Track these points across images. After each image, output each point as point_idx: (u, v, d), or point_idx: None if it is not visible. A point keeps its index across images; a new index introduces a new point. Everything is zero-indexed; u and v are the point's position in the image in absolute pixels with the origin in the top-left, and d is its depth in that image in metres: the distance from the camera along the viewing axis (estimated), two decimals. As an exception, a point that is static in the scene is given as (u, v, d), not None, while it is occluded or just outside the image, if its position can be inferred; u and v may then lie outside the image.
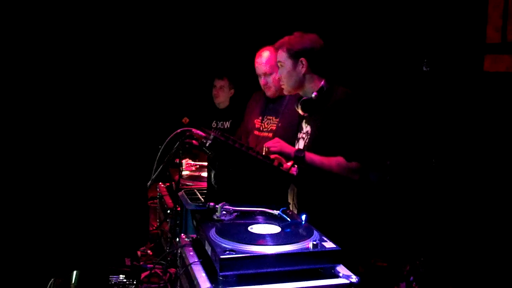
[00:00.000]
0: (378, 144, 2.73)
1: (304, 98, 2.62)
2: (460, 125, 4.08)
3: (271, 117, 3.28)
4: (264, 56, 3.21)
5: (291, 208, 2.65)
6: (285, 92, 2.78)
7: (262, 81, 3.23)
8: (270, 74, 3.17)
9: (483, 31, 3.86)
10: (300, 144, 2.68)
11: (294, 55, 2.59)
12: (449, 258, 3.90)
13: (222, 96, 4.50)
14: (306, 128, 2.68)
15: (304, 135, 2.68)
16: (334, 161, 2.47)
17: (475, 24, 3.92)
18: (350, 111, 2.50)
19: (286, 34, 2.70)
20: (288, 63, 2.61)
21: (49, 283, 1.87)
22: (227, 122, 4.51)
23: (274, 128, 3.20)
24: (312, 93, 2.60)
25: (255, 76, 3.32)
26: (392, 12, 4.50)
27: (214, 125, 4.55)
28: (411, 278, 3.76)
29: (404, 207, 4.28)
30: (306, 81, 2.63)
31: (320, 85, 2.60)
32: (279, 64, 2.68)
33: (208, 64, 5.01)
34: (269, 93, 3.25)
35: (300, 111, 2.66)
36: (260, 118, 3.33)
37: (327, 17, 4.74)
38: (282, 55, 2.63)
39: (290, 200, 2.70)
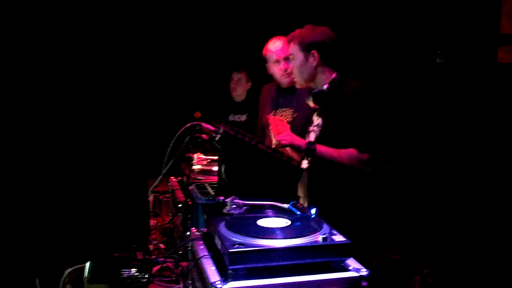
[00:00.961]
0: (389, 136, 2.72)
1: (316, 90, 2.62)
2: (474, 117, 4.04)
3: (285, 109, 3.27)
4: (279, 42, 3.21)
5: (302, 201, 2.65)
6: (297, 86, 2.79)
7: (282, 66, 3.19)
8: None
9: (497, 22, 3.80)
10: (311, 137, 2.68)
11: (306, 48, 2.60)
12: (464, 252, 3.87)
13: (240, 89, 4.50)
14: (317, 120, 2.68)
15: (315, 128, 2.68)
16: (345, 153, 2.47)
17: (489, 15, 3.87)
18: (362, 103, 2.50)
19: (299, 26, 2.71)
20: (299, 56, 2.62)
21: (63, 276, 1.90)
22: (244, 115, 4.51)
23: (290, 119, 3.19)
24: (323, 85, 2.60)
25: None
26: (405, 3, 4.46)
27: (230, 118, 4.56)
28: (426, 271, 3.74)
29: (419, 200, 4.25)
30: (318, 73, 2.63)
31: (332, 78, 2.59)
32: (290, 57, 2.69)
33: (225, 57, 5.02)
34: (288, 79, 3.19)
35: (311, 104, 2.65)
36: (273, 112, 3.32)
37: (340, 9, 4.71)
38: (294, 48, 2.64)
39: (301, 193, 2.70)
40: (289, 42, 2.69)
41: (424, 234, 4.08)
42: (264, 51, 3.34)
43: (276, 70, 3.26)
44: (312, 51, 2.59)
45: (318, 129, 2.64)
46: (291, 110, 3.22)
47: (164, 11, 4.77)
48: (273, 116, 3.10)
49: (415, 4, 4.40)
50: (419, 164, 4.35)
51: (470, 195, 4.00)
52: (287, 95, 3.29)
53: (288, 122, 3.17)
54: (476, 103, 4.01)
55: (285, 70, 3.18)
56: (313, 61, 2.60)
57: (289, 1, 4.91)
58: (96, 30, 1.32)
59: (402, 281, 3.68)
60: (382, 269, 3.31)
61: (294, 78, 2.75)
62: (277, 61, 3.23)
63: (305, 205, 2.59)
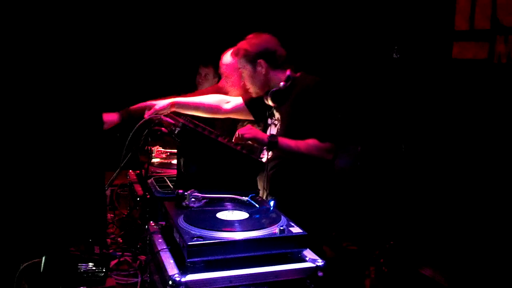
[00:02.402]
0: (347, 125, 2.80)
1: (273, 89, 2.66)
2: (429, 111, 4.15)
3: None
4: (226, 55, 3.19)
5: (261, 194, 2.68)
6: (254, 95, 2.82)
7: (222, 82, 3.26)
8: (230, 77, 3.18)
9: (452, 19, 3.92)
10: (273, 130, 2.72)
11: (252, 59, 2.67)
12: (418, 242, 3.99)
13: (206, 84, 4.45)
14: (277, 114, 2.72)
15: (276, 121, 2.72)
16: (307, 144, 2.52)
17: (444, 11, 3.97)
18: (318, 94, 2.57)
19: (266, 19, 2.74)
20: (248, 68, 2.69)
21: (18, 271, 1.86)
22: None
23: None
24: (279, 85, 2.66)
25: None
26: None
27: None
28: (381, 261, 3.84)
29: (375, 192, 4.35)
30: (270, 79, 2.70)
31: (286, 75, 2.65)
32: (240, 70, 2.77)
33: (193, 51, 4.96)
34: (233, 94, 3.19)
35: (271, 103, 2.70)
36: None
37: (299, 5, 4.75)
38: (241, 61, 2.72)
39: (260, 186, 2.73)
40: (236, 56, 2.76)
41: (380, 225, 4.19)
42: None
43: (230, 84, 3.24)
44: (258, 61, 2.65)
45: (279, 122, 2.69)
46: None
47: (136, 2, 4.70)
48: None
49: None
50: (376, 157, 4.44)
51: (424, 186, 4.12)
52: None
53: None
54: (431, 97, 4.13)
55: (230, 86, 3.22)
56: (261, 69, 2.67)
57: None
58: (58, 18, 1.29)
59: (358, 271, 3.76)
60: (339, 260, 3.38)
61: (249, 89, 2.80)
62: (227, 77, 3.23)
63: (265, 197, 2.62)
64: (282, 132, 2.64)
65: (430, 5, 4.08)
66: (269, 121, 2.80)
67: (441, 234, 3.90)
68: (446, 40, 3.97)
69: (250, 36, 2.74)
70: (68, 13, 1.30)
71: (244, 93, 3.09)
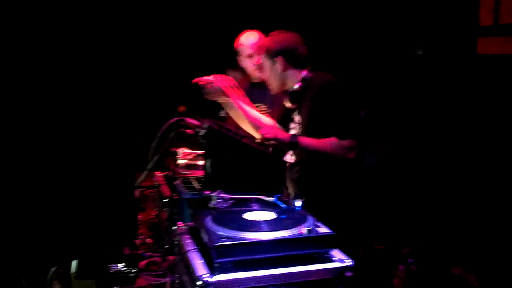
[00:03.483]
0: (372, 123, 2.79)
1: (290, 90, 2.68)
2: (454, 108, 4.10)
3: (259, 105, 3.24)
4: (253, 36, 3.20)
5: (290, 195, 2.68)
6: (272, 92, 2.85)
7: (255, 60, 3.19)
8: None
9: (476, 14, 3.86)
10: (293, 131, 2.73)
11: (271, 56, 2.71)
12: (448, 240, 3.94)
13: None
14: (296, 118, 2.74)
15: (295, 125, 2.73)
16: (327, 142, 2.52)
17: (468, 6, 3.92)
18: (334, 93, 2.57)
19: (289, 18, 2.78)
20: (267, 64, 2.74)
21: (50, 272, 1.91)
22: None
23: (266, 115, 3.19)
24: (295, 85, 2.68)
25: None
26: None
27: (221, 114, 4.55)
28: (410, 260, 3.80)
29: (403, 190, 4.31)
30: (288, 76, 2.72)
31: (302, 76, 2.65)
32: (262, 65, 2.82)
33: (217, 53, 5.00)
34: (260, 74, 3.16)
35: (289, 104, 2.72)
36: None
37: (320, 3, 4.74)
38: (262, 58, 2.77)
39: (289, 187, 2.73)
40: (259, 50, 2.83)
41: (409, 224, 4.15)
42: (236, 44, 3.31)
43: (249, 64, 3.25)
44: (276, 58, 2.69)
45: (298, 125, 2.70)
46: (265, 106, 3.22)
47: (157, 6, 4.74)
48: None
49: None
50: (402, 155, 4.41)
51: (453, 184, 4.07)
52: (261, 90, 3.25)
53: None
54: (456, 93, 4.07)
55: (259, 64, 3.14)
56: (278, 66, 2.70)
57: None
58: (85, 27, 1.32)
59: (387, 270, 3.74)
60: (367, 259, 3.37)
61: (269, 86, 2.83)
62: (250, 56, 3.22)
63: (298, 201, 2.61)
64: (302, 133, 2.65)
65: (453, 0, 4.03)
66: (291, 125, 2.81)
67: (471, 232, 3.85)
68: (471, 35, 3.91)
69: (274, 32, 2.78)
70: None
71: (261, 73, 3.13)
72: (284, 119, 2.88)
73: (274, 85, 2.80)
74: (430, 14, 4.19)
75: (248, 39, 3.24)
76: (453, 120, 4.12)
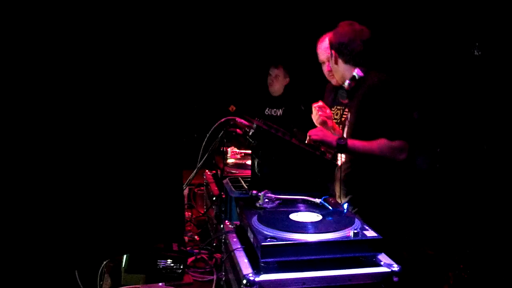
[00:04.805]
0: (425, 125, 2.73)
1: (340, 88, 2.71)
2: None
3: (340, 107, 3.18)
4: (323, 42, 3.16)
5: (338, 197, 2.66)
6: (334, 83, 2.92)
7: (327, 67, 3.11)
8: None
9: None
10: (345, 132, 2.69)
11: (330, 48, 2.76)
12: (500, 248, 3.81)
13: (277, 84, 4.51)
14: (348, 115, 2.70)
15: (347, 122, 2.69)
16: (376, 144, 2.47)
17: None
18: (384, 93, 2.53)
19: (340, 20, 2.77)
20: (329, 57, 2.80)
21: (101, 266, 1.98)
22: (280, 110, 4.54)
23: (343, 119, 3.12)
24: (347, 81, 2.67)
25: (310, 65, 3.28)
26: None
27: (267, 112, 4.58)
28: (461, 266, 3.70)
29: (454, 195, 4.19)
30: (344, 71, 2.72)
31: (354, 73, 2.63)
32: (323, 59, 2.92)
33: (263, 51, 5.04)
34: (333, 81, 3.09)
35: (341, 100, 2.71)
36: (331, 108, 3.23)
37: (381, 4, 4.67)
38: (326, 49, 2.84)
39: (337, 188, 2.71)
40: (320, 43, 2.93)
41: (460, 230, 4.03)
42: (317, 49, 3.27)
43: (324, 70, 3.16)
44: (331, 51, 2.74)
45: (349, 123, 2.66)
46: (345, 110, 3.16)
47: (205, 5, 4.82)
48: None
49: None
50: (456, 159, 4.28)
51: (507, 191, 3.92)
52: (343, 93, 3.25)
53: (341, 122, 3.06)
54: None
55: (329, 71, 3.10)
56: (333, 60, 2.74)
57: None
58: (137, 26, 1.36)
59: (437, 276, 3.65)
60: (416, 264, 3.30)
61: (334, 76, 2.87)
62: (323, 62, 3.15)
63: (342, 201, 2.60)
64: (351, 132, 2.62)
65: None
66: (346, 122, 2.77)
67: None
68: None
69: (341, 23, 2.76)
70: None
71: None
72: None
73: (336, 77, 2.84)
74: (487, 14, 4.05)
75: (321, 45, 3.17)
76: (510, 122, 3.97)
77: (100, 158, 1.20)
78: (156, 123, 1.35)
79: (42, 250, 1.20)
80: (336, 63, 2.73)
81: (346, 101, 2.70)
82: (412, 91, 2.68)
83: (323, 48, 3.08)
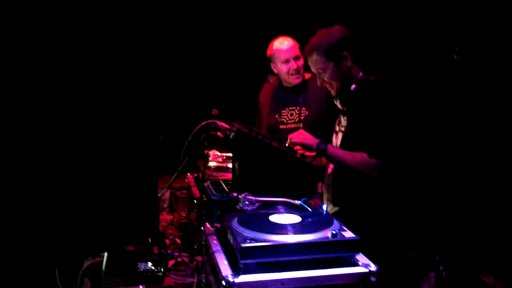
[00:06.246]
0: (404, 142, 2.62)
1: (343, 92, 2.54)
2: (492, 113, 4.02)
3: (293, 108, 3.25)
4: (288, 41, 3.20)
5: (325, 201, 2.66)
6: (334, 93, 2.60)
7: (293, 65, 3.14)
8: (300, 57, 3.13)
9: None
10: (339, 138, 2.63)
11: (333, 53, 2.47)
12: (480, 248, 3.86)
13: None
14: (344, 121, 2.62)
15: (343, 128, 2.62)
16: (354, 157, 2.42)
17: (508, 10, 3.84)
18: (384, 106, 2.43)
19: (325, 21, 2.61)
20: (330, 65, 2.48)
21: (82, 269, 1.97)
22: None
23: (302, 118, 3.19)
24: (351, 85, 2.51)
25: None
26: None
27: None
28: (441, 267, 3.75)
29: (435, 196, 4.25)
30: (351, 73, 2.51)
31: (359, 77, 2.51)
32: (319, 70, 2.53)
33: (251, 56, 5.05)
34: (299, 79, 3.19)
35: (339, 106, 2.60)
36: (281, 111, 3.27)
37: (354, 5, 4.72)
38: (320, 60, 2.49)
39: (325, 193, 2.69)
40: (309, 55, 2.52)
41: (440, 231, 4.08)
42: (270, 51, 3.25)
43: (285, 69, 3.18)
44: (344, 53, 2.46)
45: (343, 129, 2.60)
46: (302, 109, 3.21)
47: (191, 7, 4.82)
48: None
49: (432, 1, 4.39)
50: (436, 161, 4.34)
51: (487, 191, 3.98)
52: (293, 94, 3.26)
53: (299, 121, 3.19)
54: (493, 100, 3.99)
55: (295, 69, 3.15)
56: (346, 62, 2.48)
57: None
58: (112, 25, 1.36)
59: (417, 277, 3.69)
60: (397, 265, 3.33)
61: (330, 88, 2.59)
62: (287, 61, 3.16)
63: (330, 206, 2.57)
64: (345, 140, 2.55)
65: (491, 4, 3.95)
66: (337, 127, 2.70)
67: (504, 240, 3.76)
68: (510, 40, 3.83)
69: (321, 31, 2.54)
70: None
71: (297, 77, 3.14)
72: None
73: (337, 86, 2.54)
74: (467, 18, 4.11)
75: (283, 44, 3.19)
76: (489, 125, 4.04)
77: (75, 154, 1.21)
78: (132, 120, 1.36)
79: (20, 247, 1.21)
80: (349, 64, 2.48)
81: (344, 108, 2.59)
82: (415, 108, 2.55)
83: (294, 43, 3.16)
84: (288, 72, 3.18)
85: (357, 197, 2.53)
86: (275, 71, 3.31)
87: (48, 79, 1.20)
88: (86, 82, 1.24)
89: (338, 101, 2.59)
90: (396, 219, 2.71)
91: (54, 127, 1.17)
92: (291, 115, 3.25)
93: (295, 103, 3.25)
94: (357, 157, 2.41)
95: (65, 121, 1.19)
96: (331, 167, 2.61)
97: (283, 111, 3.28)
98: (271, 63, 3.30)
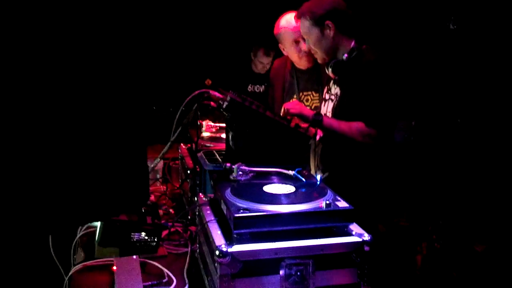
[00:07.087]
0: (400, 111, 2.62)
1: (335, 60, 2.55)
2: (487, 84, 4.00)
3: (309, 92, 3.00)
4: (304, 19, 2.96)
5: (314, 169, 2.67)
6: (320, 61, 2.64)
7: (302, 46, 2.84)
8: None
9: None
10: (329, 106, 2.62)
11: (319, 21, 2.49)
12: (472, 218, 3.90)
13: (264, 69, 4.50)
14: (335, 89, 2.60)
15: (333, 97, 2.61)
16: (351, 126, 2.43)
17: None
18: (378, 75, 2.42)
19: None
20: (314, 31, 2.51)
21: (75, 239, 1.97)
22: (262, 86, 4.54)
23: (317, 104, 2.94)
24: (343, 55, 2.52)
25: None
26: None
27: (249, 88, 4.59)
28: (433, 237, 3.78)
29: (429, 167, 4.26)
30: (337, 44, 2.53)
31: (351, 47, 2.52)
32: (305, 35, 2.56)
33: (244, 27, 4.99)
34: (311, 63, 2.93)
35: (331, 74, 2.59)
36: (295, 96, 3.02)
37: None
38: (306, 24, 2.52)
39: (313, 161, 2.71)
40: (299, 18, 2.54)
41: (434, 201, 4.11)
42: (277, 30, 2.94)
43: (296, 51, 2.89)
44: (326, 22, 2.47)
45: (336, 98, 2.58)
46: (317, 94, 2.96)
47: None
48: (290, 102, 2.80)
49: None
50: (430, 132, 4.34)
51: (480, 161, 4.00)
52: (308, 77, 2.98)
53: (316, 108, 2.93)
54: (489, 69, 3.97)
55: (307, 52, 2.81)
56: (329, 32, 2.49)
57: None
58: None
59: (410, 247, 3.72)
60: (390, 235, 3.36)
61: (315, 54, 2.61)
62: (296, 42, 2.86)
63: (318, 175, 2.57)
64: (338, 108, 2.55)
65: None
66: (327, 95, 2.69)
67: (496, 210, 3.80)
68: (507, 10, 3.79)
69: None
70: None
71: (308, 61, 2.92)
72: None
73: (321, 54, 2.57)
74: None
75: (290, 22, 2.82)
76: (485, 96, 4.03)
77: (65, 121, 1.19)
78: (123, 89, 1.33)
79: (11, 214, 1.20)
80: (332, 34, 2.49)
81: (336, 76, 2.59)
82: (404, 73, 2.54)
83: (296, 25, 2.71)
84: (298, 55, 2.91)
85: (349, 164, 2.53)
86: (284, 52, 3.03)
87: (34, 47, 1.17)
88: (78, 49, 1.21)
89: (330, 70, 2.58)
90: (389, 188, 2.72)
91: (45, 94, 1.15)
92: (307, 100, 3.01)
93: (311, 87, 2.97)
94: (355, 126, 2.41)
95: (55, 87, 1.17)
96: (319, 134, 2.60)
97: (299, 96, 3.02)
98: (279, 44, 3.02)
